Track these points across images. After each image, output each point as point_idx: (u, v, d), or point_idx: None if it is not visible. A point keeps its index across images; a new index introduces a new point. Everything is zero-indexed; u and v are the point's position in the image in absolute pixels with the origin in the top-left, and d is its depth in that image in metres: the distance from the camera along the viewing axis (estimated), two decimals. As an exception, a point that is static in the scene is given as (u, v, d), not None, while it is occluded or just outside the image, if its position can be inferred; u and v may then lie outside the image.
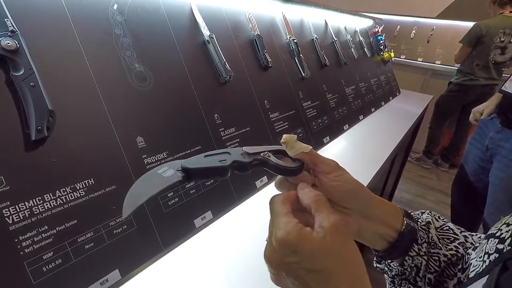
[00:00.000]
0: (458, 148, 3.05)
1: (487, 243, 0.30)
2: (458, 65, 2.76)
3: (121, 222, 0.51)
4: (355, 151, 1.14)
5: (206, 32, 0.74)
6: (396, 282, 0.39)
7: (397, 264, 0.38)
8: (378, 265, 0.42)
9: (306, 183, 0.32)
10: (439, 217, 0.40)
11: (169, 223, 0.57)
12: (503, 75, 2.63)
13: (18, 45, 0.43)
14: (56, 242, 0.43)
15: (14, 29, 0.43)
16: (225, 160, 0.31)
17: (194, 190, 0.63)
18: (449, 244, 0.37)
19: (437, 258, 0.36)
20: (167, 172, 0.30)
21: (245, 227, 0.66)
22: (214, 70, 0.76)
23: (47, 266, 0.42)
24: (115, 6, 0.58)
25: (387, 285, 0.41)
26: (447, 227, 0.39)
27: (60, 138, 0.46)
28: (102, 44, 0.55)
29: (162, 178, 0.29)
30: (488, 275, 0.28)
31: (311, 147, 0.33)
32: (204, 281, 0.53)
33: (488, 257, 0.29)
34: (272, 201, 0.30)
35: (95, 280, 0.46)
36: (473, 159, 1.51)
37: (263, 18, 0.98)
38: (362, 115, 1.47)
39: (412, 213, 0.39)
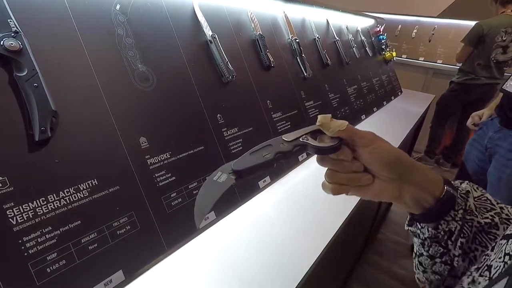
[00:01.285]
0: (459, 148, 3.03)
1: (507, 244, 0.30)
2: (460, 65, 2.75)
3: (125, 223, 0.50)
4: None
5: (208, 32, 0.74)
6: (426, 244, 0.40)
7: (431, 227, 0.38)
8: (409, 227, 0.42)
9: (346, 156, 0.35)
10: (477, 187, 0.40)
11: (172, 224, 0.57)
12: (505, 74, 2.62)
13: (21, 46, 0.43)
14: (59, 243, 0.43)
15: (18, 30, 0.43)
16: (269, 153, 0.34)
17: (197, 191, 0.63)
18: (485, 213, 0.37)
19: (470, 224, 0.37)
20: (221, 177, 0.33)
21: (248, 227, 0.66)
22: (217, 70, 0.75)
23: (51, 267, 0.42)
24: (118, 7, 0.58)
25: (415, 247, 0.42)
26: (485, 198, 0.39)
27: (64, 138, 0.46)
28: (105, 44, 0.55)
29: (219, 184, 0.33)
30: (509, 277, 0.27)
31: (347, 123, 0.35)
32: (207, 281, 0.53)
33: (510, 258, 0.29)
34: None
35: (99, 281, 0.46)
36: (473, 160, 1.50)
37: (265, 18, 0.98)
38: (364, 115, 1.47)
39: (452, 182, 0.40)
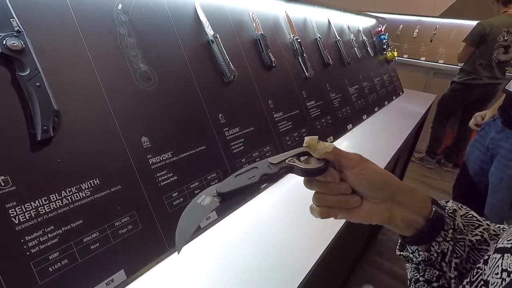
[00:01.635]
0: (461, 148, 3.03)
1: (503, 259, 0.29)
2: (461, 64, 2.75)
3: (127, 222, 0.50)
4: (358, 151, 1.13)
5: (210, 31, 0.74)
6: (421, 268, 0.39)
7: (424, 251, 0.38)
8: (401, 252, 0.42)
9: (333, 178, 0.35)
10: (461, 206, 0.41)
11: (174, 223, 0.57)
12: (507, 74, 2.61)
13: (23, 45, 0.43)
14: (62, 242, 0.43)
15: (20, 29, 0.43)
16: (254, 176, 0.34)
17: (198, 190, 0.63)
18: (474, 230, 0.38)
19: (462, 243, 0.37)
20: (205, 200, 0.33)
21: (249, 227, 0.66)
22: (218, 70, 0.75)
23: (53, 266, 0.42)
24: (120, 6, 0.58)
25: (408, 274, 0.42)
26: (471, 215, 0.39)
27: (66, 138, 0.46)
28: (107, 43, 0.55)
29: (203, 208, 0.32)
30: None
31: (334, 145, 0.35)
32: (208, 281, 0.53)
33: (508, 275, 0.28)
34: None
35: (100, 281, 0.46)
36: (474, 160, 1.50)
37: (266, 18, 0.98)
38: (365, 115, 1.46)
39: (439, 202, 0.40)
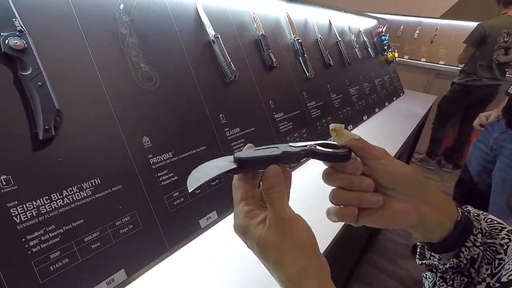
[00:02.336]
0: (461, 149, 3.03)
1: None
2: (462, 66, 2.75)
3: (127, 222, 0.51)
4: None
5: (211, 32, 0.74)
6: (448, 277, 0.36)
7: (452, 257, 0.35)
8: (423, 261, 0.39)
9: (355, 170, 0.33)
10: (482, 212, 0.38)
11: (174, 223, 0.57)
12: (507, 75, 2.61)
13: (26, 45, 0.43)
14: (63, 241, 0.43)
15: (22, 29, 0.43)
16: (275, 151, 0.32)
17: (199, 190, 0.63)
18: (500, 233, 0.35)
19: (494, 249, 0.34)
20: (221, 162, 0.32)
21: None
22: (219, 70, 0.76)
23: (54, 266, 0.42)
24: (122, 6, 0.58)
25: (427, 283, 0.39)
26: (490, 218, 0.37)
27: (67, 137, 0.46)
28: (109, 43, 0.55)
29: (218, 166, 0.31)
30: None
31: (360, 136, 0.33)
32: (209, 280, 0.53)
33: None
34: (233, 186, 0.33)
35: (101, 280, 0.46)
36: (477, 159, 1.51)
37: (267, 18, 0.98)
38: (366, 116, 1.46)
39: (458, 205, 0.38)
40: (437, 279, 0.37)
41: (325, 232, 0.67)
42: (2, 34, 0.41)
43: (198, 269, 0.55)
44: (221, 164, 0.32)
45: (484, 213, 0.38)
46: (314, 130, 1.05)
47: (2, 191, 0.39)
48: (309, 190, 0.80)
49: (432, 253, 0.38)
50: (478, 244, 0.34)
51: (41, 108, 0.43)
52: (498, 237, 0.35)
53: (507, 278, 0.29)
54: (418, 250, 0.40)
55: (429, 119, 2.65)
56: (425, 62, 3.45)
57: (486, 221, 0.36)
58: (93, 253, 0.46)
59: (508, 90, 1.29)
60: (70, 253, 0.44)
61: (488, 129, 1.48)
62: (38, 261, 0.41)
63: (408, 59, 3.54)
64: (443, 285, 0.37)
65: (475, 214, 0.37)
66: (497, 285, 0.30)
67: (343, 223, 0.70)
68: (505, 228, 0.36)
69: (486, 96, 2.68)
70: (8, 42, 0.41)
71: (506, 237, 0.35)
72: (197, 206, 0.62)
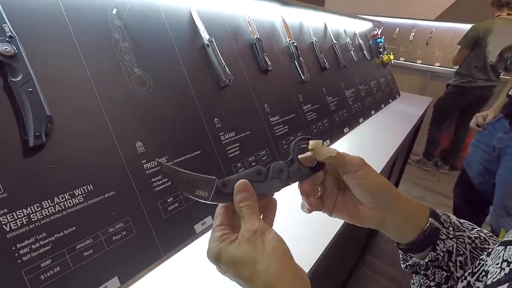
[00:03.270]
0: (458, 150, 3.04)
1: (505, 250, 0.30)
2: (457, 67, 2.77)
3: (121, 229, 0.50)
4: (355, 154, 1.13)
5: (205, 36, 0.74)
6: (429, 273, 0.39)
7: (430, 250, 0.38)
8: (407, 263, 0.42)
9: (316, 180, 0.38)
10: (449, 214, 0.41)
11: (169, 229, 0.56)
12: (501, 77, 2.63)
13: (16, 51, 0.42)
14: (54, 249, 0.43)
15: (12, 35, 0.43)
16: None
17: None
18: (471, 230, 0.39)
19: (462, 240, 0.37)
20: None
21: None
22: (214, 74, 0.75)
23: (45, 274, 0.41)
24: (115, 11, 0.58)
25: (419, 284, 0.41)
26: (462, 221, 0.40)
27: (59, 144, 0.46)
28: (101, 48, 0.55)
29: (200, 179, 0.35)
30: (508, 283, 0.27)
31: (337, 151, 0.36)
32: (204, 286, 0.52)
33: (508, 265, 0.29)
34: (215, 213, 0.35)
35: (94, 288, 0.45)
36: (477, 160, 1.51)
37: (262, 22, 0.98)
38: (362, 118, 1.47)
39: (436, 211, 0.40)
40: (421, 277, 0.40)
41: (323, 235, 0.66)
42: (-9, 40, 0.41)
43: (193, 275, 0.54)
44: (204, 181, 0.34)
45: (456, 218, 0.40)
46: (310, 133, 1.05)
47: (-9, 199, 0.39)
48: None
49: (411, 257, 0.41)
50: (451, 236, 0.37)
51: (31, 115, 0.42)
52: (468, 231, 0.38)
53: (491, 281, 0.30)
54: (400, 254, 0.43)
55: (425, 121, 2.66)
56: (420, 64, 3.47)
57: (458, 220, 0.40)
58: (86, 261, 0.45)
59: (509, 93, 1.31)
60: (62, 261, 0.43)
61: (488, 129, 1.48)
62: (28, 270, 0.40)
63: (403, 61, 3.57)
64: (426, 282, 0.40)
65: (445, 215, 0.39)
66: (477, 283, 0.32)
67: (341, 225, 0.69)
68: (476, 228, 0.39)
69: (481, 97, 2.70)
70: (-3, 48, 0.41)
71: (476, 233, 0.38)
72: (192, 211, 0.61)
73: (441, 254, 0.37)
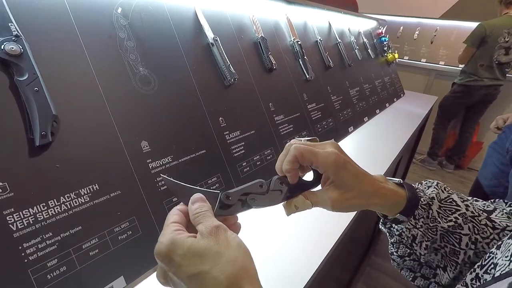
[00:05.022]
0: (463, 149, 3.02)
1: None
2: (462, 66, 2.74)
3: (126, 228, 0.50)
4: (360, 153, 1.13)
5: (210, 34, 0.73)
6: (395, 245, 0.44)
7: (397, 231, 0.43)
8: (382, 227, 0.47)
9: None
10: (445, 188, 0.42)
11: (174, 229, 0.56)
12: (507, 75, 2.61)
13: (22, 50, 0.42)
14: (60, 249, 0.43)
15: (18, 34, 0.42)
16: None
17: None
18: (449, 216, 0.39)
19: (434, 230, 0.39)
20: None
21: (251, 231, 0.65)
22: (219, 73, 0.75)
23: (51, 274, 0.41)
24: (119, 10, 0.58)
25: (389, 245, 0.46)
26: (451, 199, 0.41)
27: (64, 143, 0.46)
28: (106, 47, 0.55)
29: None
30: None
31: (311, 205, 0.38)
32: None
33: None
34: (169, 213, 0.34)
35: (100, 288, 0.45)
36: (493, 162, 1.50)
37: (267, 20, 0.98)
38: (366, 117, 1.46)
39: (417, 189, 0.42)
40: (390, 244, 0.45)
41: (329, 234, 0.66)
42: (-3, 39, 0.41)
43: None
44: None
45: (448, 192, 0.42)
46: (314, 132, 1.04)
47: (-2, 198, 0.39)
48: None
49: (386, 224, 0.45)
50: (418, 226, 0.40)
51: (37, 114, 0.42)
52: (444, 220, 0.39)
53: (500, 273, 0.30)
54: (381, 219, 0.46)
55: (430, 120, 2.64)
56: (425, 62, 3.45)
57: (442, 203, 0.40)
58: (91, 261, 0.45)
59: None
60: (68, 260, 0.43)
61: (505, 132, 1.47)
62: (35, 270, 0.40)
63: (408, 60, 3.54)
64: (391, 250, 0.45)
65: (425, 203, 0.40)
66: (485, 276, 0.32)
67: (346, 226, 0.69)
68: (460, 210, 0.40)
69: (487, 96, 2.67)
70: (4, 47, 0.41)
71: (454, 219, 0.39)
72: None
73: (405, 238, 0.41)
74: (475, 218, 0.40)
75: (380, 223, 0.47)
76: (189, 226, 0.32)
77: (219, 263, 0.26)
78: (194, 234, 0.29)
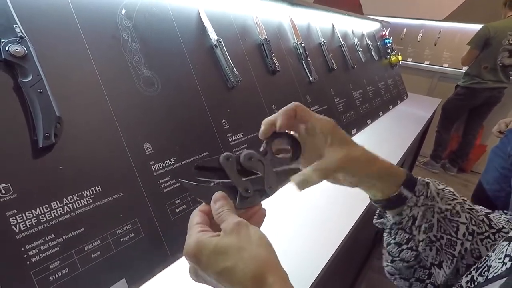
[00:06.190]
0: (466, 152, 3.00)
1: (509, 246, 0.31)
2: (466, 68, 2.73)
3: (128, 230, 0.50)
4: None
5: (213, 36, 0.73)
6: (393, 232, 0.42)
7: (395, 214, 0.41)
8: (377, 220, 0.45)
9: None
10: (439, 183, 0.42)
11: (176, 231, 0.56)
12: (511, 78, 2.59)
13: (26, 51, 0.42)
14: (62, 251, 0.43)
15: (23, 35, 0.42)
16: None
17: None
18: (448, 201, 0.39)
19: (432, 210, 0.38)
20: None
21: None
22: (222, 75, 0.75)
23: (53, 276, 0.41)
24: (123, 11, 0.58)
25: (384, 241, 0.44)
26: (448, 190, 0.41)
27: (68, 144, 0.46)
28: (110, 49, 0.55)
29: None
30: (507, 278, 0.28)
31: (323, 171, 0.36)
32: (212, 290, 0.52)
33: (510, 260, 0.29)
34: (192, 215, 0.34)
35: (102, 290, 0.45)
36: (495, 166, 1.49)
37: (270, 22, 0.98)
38: (370, 119, 1.45)
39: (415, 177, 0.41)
40: (386, 235, 0.43)
41: (333, 237, 0.65)
42: (2, 40, 0.41)
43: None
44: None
45: (444, 185, 0.41)
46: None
47: (1, 199, 0.38)
48: (315, 196, 0.78)
49: (385, 212, 0.43)
50: (419, 204, 0.38)
51: (41, 115, 0.42)
52: (443, 202, 0.39)
53: (493, 275, 0.30)
54: (376, 212, 0.45)
55: (434, 122, 2.63)
56: (428, 65, 3.43)
57: (439, 191, 0.40)
58: (94, 263, 0.45)
59: None
60: (70, 262, 0.43)
61: (508, 136, 1.46)
62: (37, 271, 0.40)
63: (411, 62, 3.53)
64: (388, 239, 0.42)
65: (424, 182, 0.40)
66: (479, 278, 0.32)
67: (348, 231, 0.68)
68: (457, 200, 0.39)
69: (491, 99, 2.65)
70: (8, 49, 0.41)
71: (452, 205, 0.39)
72: (200, 213, 0.61)
73: (406, 218, 0.39)
74: (473, 210, 0.39)
75: (376, 215, 0.46)
76: (213, 224, 0.33)
77: (242, 258, 0.28)
78: (218, 233, 0.30)
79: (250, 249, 0.28)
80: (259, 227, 0.35)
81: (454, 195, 0.40)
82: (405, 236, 0.40)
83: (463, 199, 0.40)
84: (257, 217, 0.35)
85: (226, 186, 0.35)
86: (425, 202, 0.38)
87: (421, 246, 0.39)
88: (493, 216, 0.40)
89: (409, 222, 0.39)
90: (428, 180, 0.41)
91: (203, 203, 0.35)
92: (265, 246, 0.29)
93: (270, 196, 0.36)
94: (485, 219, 0.39)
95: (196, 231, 0.31)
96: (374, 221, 0.46)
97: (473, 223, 0.38)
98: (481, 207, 0.42)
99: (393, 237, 0.42)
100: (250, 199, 0.35)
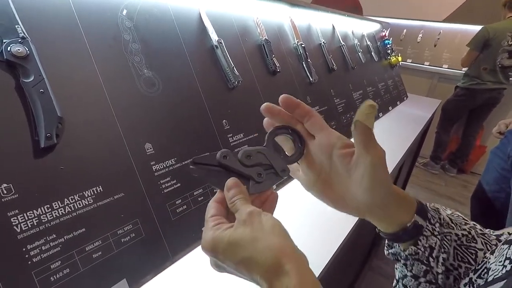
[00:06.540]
0: (466, 153, 3.00)
1: (509, 249, 0.31)
2: (465, 69, 2.73)
3: (129, 230, 0.50)
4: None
5: (214, 37, 0.74)
6: (409, 263, 0.38)
7: (411, 245, 0.37)
8: (390, 250, 0.41)
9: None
10: (445, 208, 0.40)
11: (177, 231, 0.56)
12: (511, 79, 2.59)
13: (28, 52, 0.42)
14: (64, 251, 0.43)
15: (25, 36, 0.43)
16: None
17: (202, 197, 0.62)
18: (462, 226, 0.37)
19: (449, 238, 0.36)
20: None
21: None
22: (223, 76, 0.75)
23: (54, 276, 0.41)
24: (125, 12, 0.58)
25: (396, 274, 0.41)
26: (457, 214, 0.39)
27: (69, 145, 0.46)
28: (111, 49, 0.55)
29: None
30: (506, 280, 0.28)
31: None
32: (212, 291, 0.52)
33: (510, 263, 0.29)
34: (207, 207, 0.34)
35: (102, 290, 0.45)
36: (495, 167, 1.49)
37: (271, 23, 0.98)
38: (369, 120, 1.45)
39: (424, 204, 0.39)
40: (401, 265, 0.40)
41: (332, 239, 0.66)
42: (4, 41, 0.41)
43: (201, 277, 0.54)
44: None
45: (451, 210, 0.40)
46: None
47: (2, 200, 0.39)
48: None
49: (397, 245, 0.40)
50: (436, 233, 0.36)
51: (43, 115, 0.42)
52: (458, 228, 0.37)
53: (492, 278, 0.30)
54: (386, 241, 0.41)
55: (433, 123, 2.63)
56: (428, 66, 3.44)
57: (449, 216, 0.38)
58: (95, 263, 0.45)
59: None
60: (71, 263, 0.43)
61: (507, 137, 1.46)
62: (38, 271, 0.40)
63: (411, 63, 3.53)
64: (404, 271, 0.39)
65: (433, 207, 0.38)
66: (478, 280, 0.32)
67: (347, 233, 0.68)
68: (469, 224, 0.38)
69: (490, 100, 2.66)
70: (10, 49, 0.41)
71: (467, 230, 0.37)
72: (201, 213, 0.61)
73: (422, 249, 0.36)
74: (485, 235, 0.37)
75: (386, 247, 0.42)
76: (229, 212, 0.33)
77: (257, 248, 0.28)
78: (232, 223, 0.31)
79: (263, 239, 0.28)
80: (273, 212, 0.35)
81: (464, 219, 0.39)
82: (422, 268, 0.37)
83: (473, 224, 0.39)
84: (270, 201, 0.36)
85: (240, 172, 0.34)
86: (441, 230, 0.36)
87: (440, 279, 0.36)
88: (503, 237, 0.38)
89: (426, 252, 0.36)
90: (437, 206, 0.39)
91: (217, 192, 0.34)
92: (279, 233, 0.29)
93: (283, 178, 0.36)
94: (497, 242, 0.37)
95: (210, 225, 0.31)
96: (386, 252, 0.42)
97: (488, 248, 0.36)
98: (489, 229, 0.40)
99: (409, 269, 0.39)
100: (264, 183, 0.34)
